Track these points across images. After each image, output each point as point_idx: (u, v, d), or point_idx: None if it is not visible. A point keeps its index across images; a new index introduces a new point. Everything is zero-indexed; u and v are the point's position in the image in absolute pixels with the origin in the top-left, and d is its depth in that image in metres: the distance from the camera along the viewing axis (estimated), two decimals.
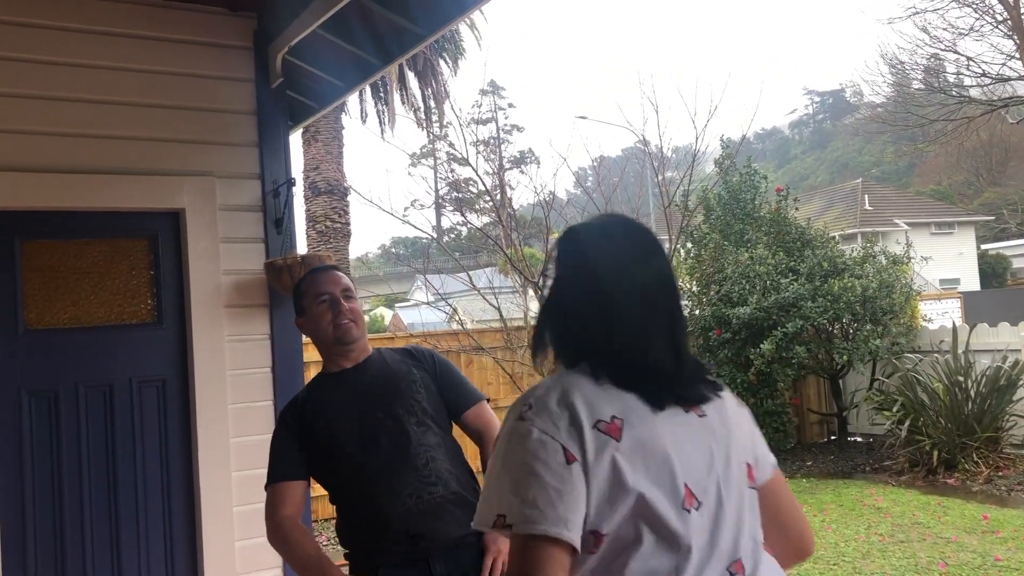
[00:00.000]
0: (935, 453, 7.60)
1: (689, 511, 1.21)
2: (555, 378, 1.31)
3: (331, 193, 11.48)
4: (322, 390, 2.41)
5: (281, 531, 2.26)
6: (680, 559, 1.20)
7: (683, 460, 1.24)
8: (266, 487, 2.35)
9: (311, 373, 9.09)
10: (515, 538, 1.18)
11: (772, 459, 1.44)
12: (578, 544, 1.17)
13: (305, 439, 2.34)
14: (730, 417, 1.35)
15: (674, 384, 1.30)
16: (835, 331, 8.96)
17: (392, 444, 2.27)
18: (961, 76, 20.11)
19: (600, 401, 1.24)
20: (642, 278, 1.33)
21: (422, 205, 26.44)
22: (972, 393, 7.79)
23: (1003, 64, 18.71)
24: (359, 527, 2.31)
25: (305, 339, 3.38)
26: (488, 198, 11.16)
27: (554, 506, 1.16)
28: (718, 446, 1.30)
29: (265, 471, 2.36)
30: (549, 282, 1.41)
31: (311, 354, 7.52)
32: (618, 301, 1.31)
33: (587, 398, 1.24)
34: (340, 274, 2.54)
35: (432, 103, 13.78)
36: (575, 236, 1.40)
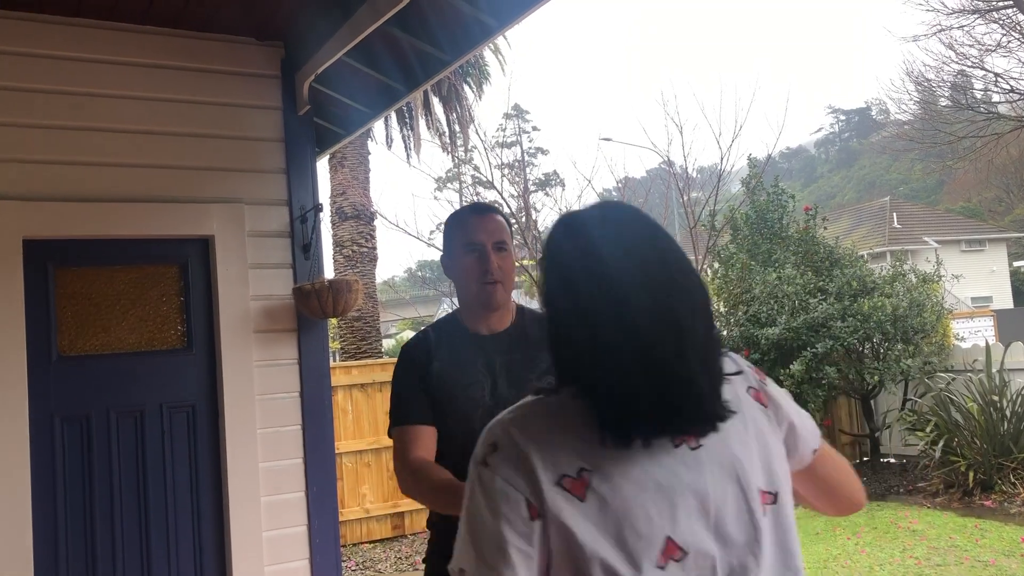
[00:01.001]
0: (971, 474, 7.45)
1: (664, 567, 1.05)
2: (528, 407, 1.16)
3: (358, 218, 11.56)
4: (452, 347, 2.14)
5: (415, 473, 2.01)
6: None
7: (662, 509, 1.07)
8: (390, 431, 2.14)
9: (339, 397, 9.10)
10: None
11: (813, 442, 1.28)
12: None
13: (426, 387, 2.10)
14: (732, 439, 1.14)
15: (680, 416, 1.09)
16: (865, 351, 8.85)
17: None
18: (989, 92, 19.97)
19: (570, 445, 1.08)
20: (655, 274, 1.12)
21: None
22: (1008, 413, 7.64)
23: None
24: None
25: (332, 364, 3.41)
26: (513, 220, 11.18)
27: (515, 570, 1.04)
28: (714, 480, 1.11)
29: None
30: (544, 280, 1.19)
31: (339, 378, 7.53)
32: (624, 309, 1.08)
33: (553, 442, 1.09)
34: (499, 219, 2.17)
35: (457, 127, 13.87)
36: (575, 226, 1.19)
